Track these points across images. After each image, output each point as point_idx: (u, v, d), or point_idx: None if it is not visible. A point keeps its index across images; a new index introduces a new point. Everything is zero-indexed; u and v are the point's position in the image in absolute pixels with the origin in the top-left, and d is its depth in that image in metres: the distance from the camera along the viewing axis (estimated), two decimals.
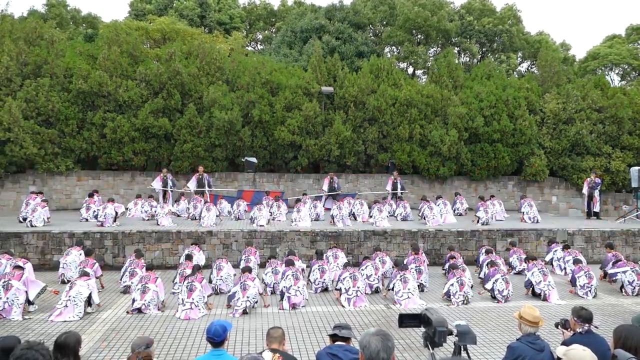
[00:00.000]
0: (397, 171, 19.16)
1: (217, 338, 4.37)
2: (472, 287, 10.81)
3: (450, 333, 3.22)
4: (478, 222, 15.58)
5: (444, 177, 20.01)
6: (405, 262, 11.35)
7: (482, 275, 11.98)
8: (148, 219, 15.67)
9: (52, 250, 13.33)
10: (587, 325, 4.72)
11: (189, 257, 11.63)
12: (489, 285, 10.85)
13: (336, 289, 10.51)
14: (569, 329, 4.91)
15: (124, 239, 13.50)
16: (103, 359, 7.39)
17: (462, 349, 3.30)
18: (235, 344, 7.87)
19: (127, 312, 9.61)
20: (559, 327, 5.06)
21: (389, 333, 2.55)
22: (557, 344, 5.07)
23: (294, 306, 9.92)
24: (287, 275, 10.16)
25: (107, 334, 8.45)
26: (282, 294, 10.09)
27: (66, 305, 9.22)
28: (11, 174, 17.74)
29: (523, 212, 16.79)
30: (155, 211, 15.54)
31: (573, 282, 11.46)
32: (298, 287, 10.02)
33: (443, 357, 2.27)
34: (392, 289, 10.49)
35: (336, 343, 4.27)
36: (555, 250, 13.35)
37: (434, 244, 14.49)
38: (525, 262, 12.26)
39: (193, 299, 9.41)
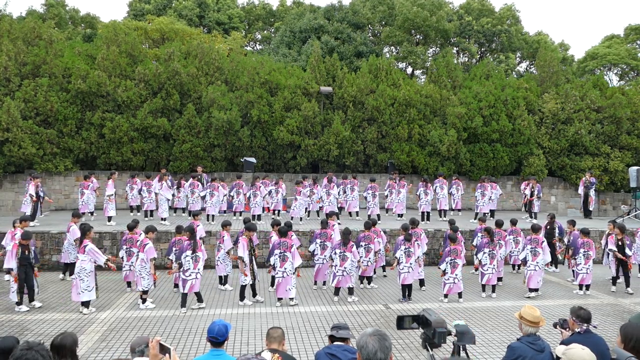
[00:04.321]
0: (396, 171, 19.16)
1: (221, 337, 4.37)
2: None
3: (450, 333, 3.22)
4: (476, 201, 16.59)
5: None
6: (409, 232, 11.24)
7: (475, 242, 12.65)
8: (148, 211, 15.92)
9: (50, 250, 13.32)
10: (585, 324, 4.71)
11: (180, 229, 10.89)
12: (479, 255, 11.24)
13: (330, 258, 10.80)
14: (567, 329, 4.91)
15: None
16: (102, 359, 7.39)
17: (461, 348, 3.31)
18: (235, 344, 7.88)
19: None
20: (558, 327, 5.06)
21: (386, 333, 2.55)
22: (555, 343, 5.07)
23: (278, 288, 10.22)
24: (275, 255, 10.13)
25: (105, 334, 8.45)
26: (274, 267, 10.22)
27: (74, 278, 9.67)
28: (9, 174, 17.71)
29: (531, 195, 16.70)
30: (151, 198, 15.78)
31: (575, 253, 11.57)
32: (285, 268, 10.06)
33: (443, 358, 2.26)
34: (398, 262, 10.63)
35: (335, 343, 4.28)
36: (560, 227, 13.40)
37: (432, 244, 14.48)
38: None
39: (199, 269, 9.72)
